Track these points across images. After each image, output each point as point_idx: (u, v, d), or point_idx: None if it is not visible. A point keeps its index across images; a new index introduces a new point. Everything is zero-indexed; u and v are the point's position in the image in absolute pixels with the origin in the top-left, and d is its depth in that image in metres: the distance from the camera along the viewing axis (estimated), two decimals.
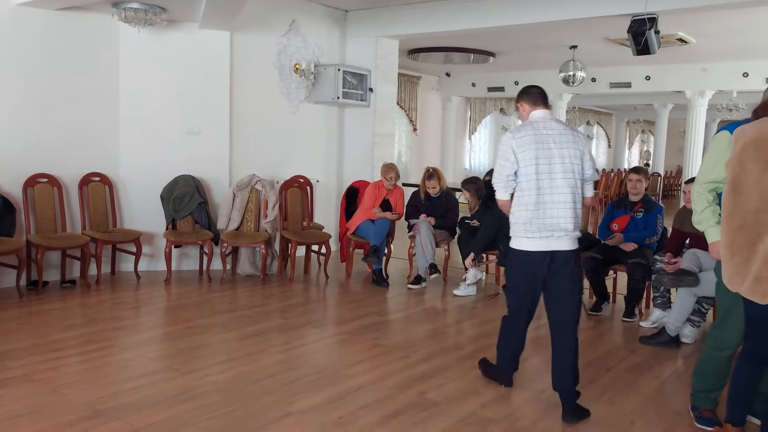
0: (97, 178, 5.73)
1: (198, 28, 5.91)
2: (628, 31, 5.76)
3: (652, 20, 5.58)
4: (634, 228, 5.10)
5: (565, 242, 3.13)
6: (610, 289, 5.37)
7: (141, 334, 4.37)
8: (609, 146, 21.83)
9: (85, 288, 5.35)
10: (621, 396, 3.45)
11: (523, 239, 3.15)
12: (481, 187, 5.85)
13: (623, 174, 15.88)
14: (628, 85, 11.35)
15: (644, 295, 5.15)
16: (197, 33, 5.96)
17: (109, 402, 3.11)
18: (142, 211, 5.97)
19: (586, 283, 5.29)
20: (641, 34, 5.64)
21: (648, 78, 11.09)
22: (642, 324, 4.84)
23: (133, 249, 5.71)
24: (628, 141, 22.75)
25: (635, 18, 5.65)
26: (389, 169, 6.10)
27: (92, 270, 5.54)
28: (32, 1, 5.08)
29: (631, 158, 23.29)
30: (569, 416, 3.10)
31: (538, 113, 3.23)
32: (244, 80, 6.40)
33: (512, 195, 3.20)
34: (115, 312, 4.76)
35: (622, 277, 5.25)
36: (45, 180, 5.37)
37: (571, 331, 3.23)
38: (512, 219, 3.19)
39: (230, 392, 3.29)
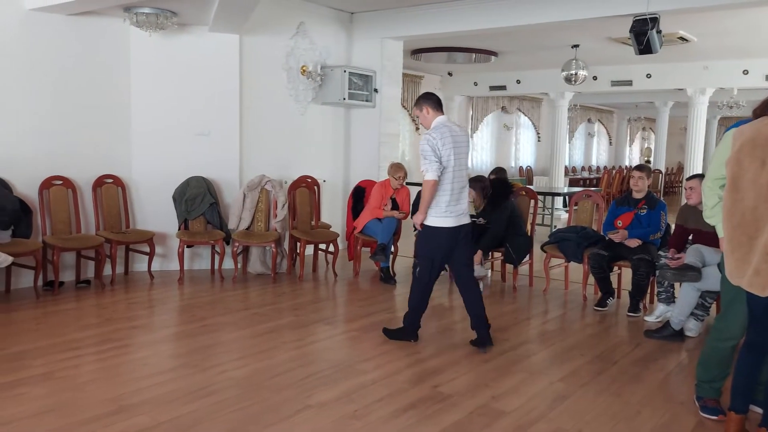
0: (111, 180, 5.83)
1: (208, 31, 6.01)
2: (630, 31, 5.84)
3: (654, 20, 5.66)
4: (638, 225, 5.19)
5: (466, 218, 4.09)
6: (615, 285, 5.47)
7: (157, 333, 4.48)
8: (610, 144, 21.90)
9: (99, 288, 5.45)
10: (627, 387, 3.55)
11: (444, 218, 3.97)
12: (487, 185, 5.94)
13: (625, 171, 15.97)
14: (629, 83, 11.42)
15: (648, 291, 5.25)
16: (207, 36, 6.07)
17: (131, 398, 3.21)
18: (155, 212, 6.07)
19: (591, 278, 5.42)
20: (643, 34, 5.72)
21: (649, 76, 11.17)
22: (647, 318, 4.94)
23: (147, 249, 5.82)
24: (629, 138, 22.82)
25: (637, 18, 5.73)
26: (398, 168, 6.19)
27: (107, 270, 5.64)
28: (45, 6, 5.17)
29: (632, 156, 23.36)
30: (484, 345, 4.09)
31: (442, 118, 4.06)
32: (253, 82, 6.50)
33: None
34: (131, 311, 4.86)
35: (627, 273, 5.35)
36: (60, 182, 5.48)
37: (475, 284, 4.23)
38: (435, 202, 3.95)
39: (248, 387, 3.39)
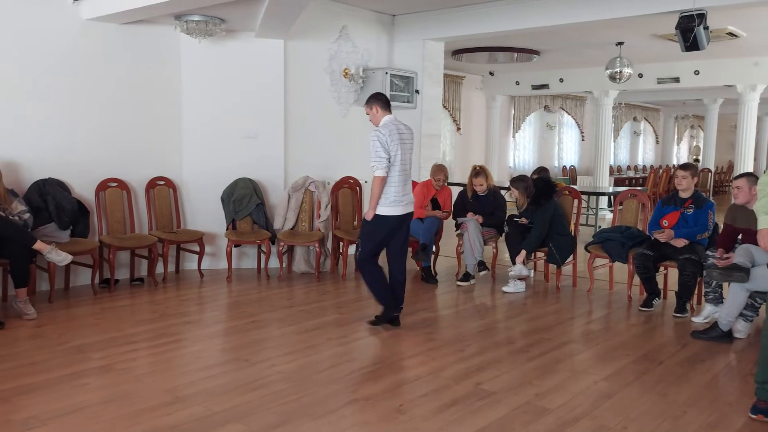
0: (163, 182, 6.06)
1: (254, 37, 6.18)
2: (676, 28, 5.75)
3: (701, 16, 5.56)
4: (685, 225, 5.10)
5: (411, 207, 4.54)
6: (661, 285, 5.40)
7: (208, 328, 4.65)
8: (657, 142, 21.42)
9: (152, 285, 5.67)
10: (673, 388, 3.52)
11: (393, 207, 4.39)
12: (530, 185, 5.94)
13: (672, 170, 15.61)
14: (676, 80, 11.19)
15: (696, 291, 5.17)
16: (253, 42, 6.24)
17: (186, 389, 3.36)
18: (204, 212, 6.28)
19: (636, 279, 5.37)
20: (690, 31, 5.63)
21: (697, 73, 10.92)
22: (694, 319, 4.87)
23: (197, 248, 6.02)
24: (676, 137, 22.26)
25: (683, 14, 5.64)
26: (439, 170, 6.24)
27: (159, 268, 5.86)
28: (100, 16, 5.41)
29: (680, 154, 22.78)
30: (379, 322, 4.57)
31: (390, 117, 4.47)
32: (297, 86, 6.66)
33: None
34: (183, 308, 5.05)
35: (673, 273, 5.28)
36: (115, 184, 5.72)
37: (404, 260, 4.67)
38: (384, 193, 4.34)
39: (297, 381, 3.51)
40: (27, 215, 4.82)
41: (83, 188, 5.56)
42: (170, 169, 6.15)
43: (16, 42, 5.11)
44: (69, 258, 4.78)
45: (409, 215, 4.54)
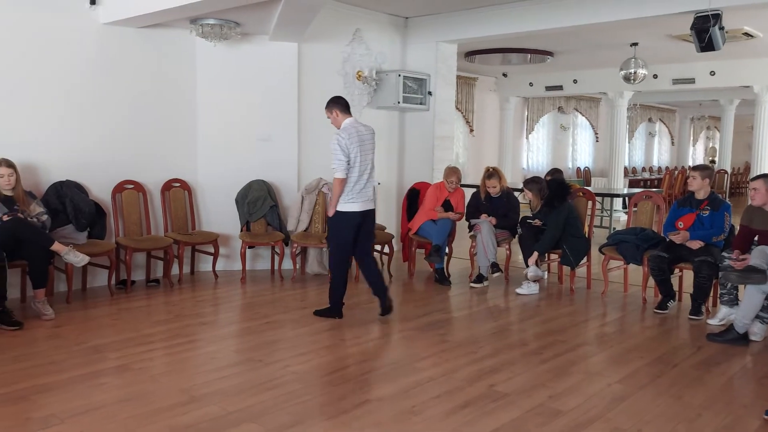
0: (178, 184, 6.12)
1: (269, 40, 6.24)
2: (691, 29, 5.72)
3: (716, 16, 5.52)
4: (700, 226, 5.06)
5: (372, 204, 4.81)
6: (675, 288, 5.36)
7: (223, 329, 4.69)
8: (672, 143, 21.25)
9: (168, 287, 5.73)
10: (688, 390, 3.50)
11: (353, 203, 4.64)
12: (544, 186, 5.92)
13: (687, 172, 15.46)
14: (691, 81, 11.10)
15: (711, 293, 5.13)
16: (268, 45, 6.29)
17: (202, 389, 3.40)
18: (219, 214, 6.34)
19: (651, 281, 5.34)
20: (705, 31, 5.59)
21: (713, 73, 10.83)
22: (709, 322, 4.84)
23: (211, 250, 6.08)
24: (692, 138, 22.06)
25: (699, 14, 5.61)
26: (451, 172, 6.24)
27: (174, 270, 5.91)
28: (118, 20, 5.48)
29: (696, 155, 22.58)
30: (386, 311, 4.83)
31: (350, 119, 4.73)
32: (310, 88, 6.69)
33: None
34: (198, 309, 5.10)
35: (689, 276, 5.24)
36: (131, 186, 5.79)
37: (373, 256, 5.04)
38: (346, 190, 4.60)
39: (310, 381, 3.53)
40: (45, 217, 4.89)
41: (100, 190, 5.64)
42: (185, 172, 6.22)
43: (35, 46, 5.19)
44: (86, 259, 4.84)
45: (371, 212, 4.83)
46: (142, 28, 5.77)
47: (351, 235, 4.70)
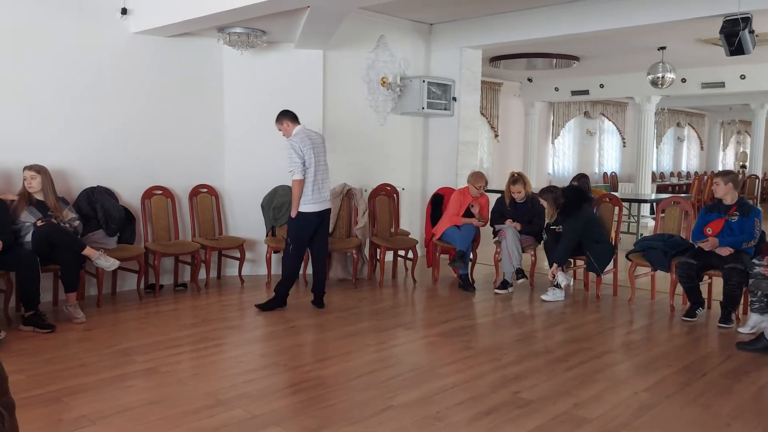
0: (205, 190, 6.22)
1: (294, 48, 6.31)
2: (720, 32, 5.63)
3: (746, 20, 5.43)
4: (729, 232, 4.97)
5: (328, 204, 5.22)
6: (705, 295, 5.28)
7: (249, 333, 4.75)
8: (702, 148, 20.89)
9: (195, 291, 5.82)
10: (717, 399, 3.45)
11: (311, 204, 5.01)
12: (558, 195, 5.87)
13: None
14: (721, 85, 10.91)
15: (741, 301, 5.03)
16: (293, 53, 6.37)
17: (228, 392, 3.45)
18: (245, 219, 6.42)
19: (679, 288, 5.26)
20: (734, 35, 5.51)
21: (743, 77, 10.62)
22: (739, 330, 4.75)
23: (237, 255, 6.15)
24: (722, 142, 21.65)
25: (728, 18, 5.53)
26: (479, 177, 6.22)
27: (201, 274, 6.00)
28: (147, 29, 5.60)
29: (726, 160, 22.14)
30: (318, 304, 5.29)
31: (300, 126, 5.09)
32: (335, 95, 6.75)
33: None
34: (224, 313, 5.17)
35: (718, 283, 5.16)
36: (160, 192, 5.90)
37: (326, 255, 5.44)
38: (305, 192, 4.97)
39: (334, 386, 3.56)
40: (77, 222, 5.01)
41: (130, 196, 5.75)
42: (213, 177, 6.31)
43: (68, 55, 5.33)
44: (116, 264, 4.94)
45: (327, 212, 5.23)
46: (172, 37, 5.89)
47: (309, 235, 5.12)
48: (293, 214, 5.02)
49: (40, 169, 4.84)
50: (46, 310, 4.70)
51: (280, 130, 5.15)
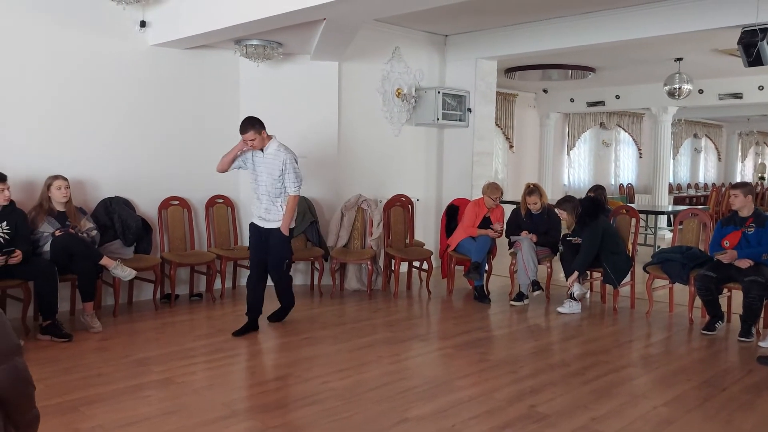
0: (221, 200, 6.25)
1: (310, 59, 6.35)
2: (738, 43, 5.59)
3: (765, 30, 5.38)
4: (747, 244, 4.90)
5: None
6: (724, 308, 5.20)
7: (263, 344, 4.74)
8: (719, 159, 20.67)
9: (210, 301, 5.84)
10: (738, 415, 3.38)
11: (294, 221, 4.90)
12: (577, 205, 5.84)
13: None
14: (739, 96, 10.80)
15: (761, 314, 4.95)
16: (309, 64, 6.41)
17: (242, 403, 3.45)
18: None
19: (698, 301, 5.18)
20: (753, 46, 5.46)
21: (761, 88, 10.51)
22: (760, 344, 4.67)
23: None
24: (740, 153, 21.41)
25: (746, 29, 5.49)
26: (495, 189, 6.20)
27: (216, 284, 6.02)
28: (165, 42, 5.67)
29: (745, 172, 21.88)
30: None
31: (274, 138, 4.84)
32: (350, 106, 6.78)
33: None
34: (239, 323, 5.13)
35: (737, 296, 5.08)
36: (176, 203, 5.94)
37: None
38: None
39: (349, 398, 3.54)
40: (95, 232, 5.06)
41: (147, 206, 5.80)
42: (228, 188, 6.34)
43: (87, 67, 5.40)
44: (133, 273, 4.98)
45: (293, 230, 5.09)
46: (189, 49, 5.95)
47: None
48: (286, 231, 4.79)
49: (65, 178, 4.91)
50: (63, 320, 4.74)
51: (252, 140, 4.63)
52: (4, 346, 1.54)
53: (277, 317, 5.14)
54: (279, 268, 4.94)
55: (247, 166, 4.83)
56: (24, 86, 5.09)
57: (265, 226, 4.81)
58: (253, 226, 4.92)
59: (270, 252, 4.85)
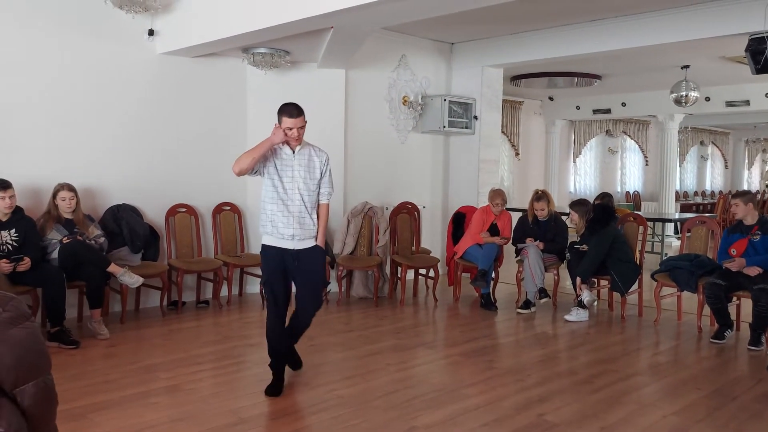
0: (228, 207, 6.26)
1: (317, 67, 6.38)
2: (746, 51, 5.59)
3: None
4: (754, 252, 4.89)
5: None
6: (733, 316, 5.17)
7: None
8: (726, 167, 20.60)
9: (217, 308, 5.84)
10: (749, 424, 3.36)
11: None
12: (590, 209, 5.84)
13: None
14: (746, 103, 10.78)
15: None
16: (316, 72, 6.43)
17: (250, 411, 3.44)
18: None
19: (706, 309, 5.15)
20: (761, 53, 5.46)
21: None
22: None
23: (259, 272, 6.15)
24: (747, 161, 21.33)
25: (754, 36, 5.48)
26: (496, 194, 6.21)
27: (223, 291, 6.03)
28: (174, 50, 5.70)
29: (752, 179, 21.79)
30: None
31: None
32: (357, 113, 6.80)
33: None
34: (245, 330, 5.18)
35: (747, 304, 5.05)
36: (184, 210, 5.96)
37: None
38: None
39: (356, 406, 3.52)
40: (102, 239, 5.08)
41: (155, 213, 5.81)
42: (236, 195, 6.36)
43: (96, 75, 5.43)
44: (140, 280, 4.99)
45: None
46: (197, 58, 5.98)
47: None
48: (322, 243, 3.84)
49: (72, 188, 4.93)
50: (70, 327, 4.75)
51: (301, 128, 3.72)
52: (38, 362, 1.55)
53: (296, 360, 4.12)
54: (319, 298, 3.93)
55: (265, 170, 3.73)
56: (33, 94, 5.12)
57: (295, 247, 3.70)
58: (273, 252, 3.75)
59: (305, 279, 3.77)
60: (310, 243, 3.74)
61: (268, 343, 3.82)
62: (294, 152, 3.74)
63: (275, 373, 3.76)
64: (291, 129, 3.64)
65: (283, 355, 3.84)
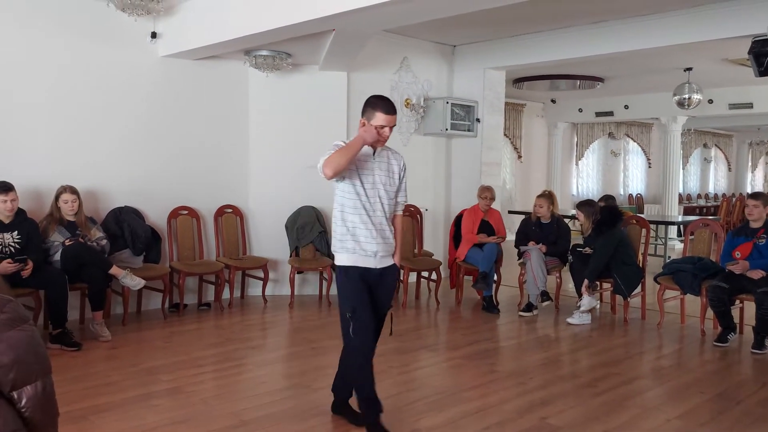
0: (230, 210, 6.26)
1: (318, 70, 6.38)
2: (749, 53, 5.56)
3: None
4: (758, 256, 4.87)
5: None
6: (736, 320, 5.14)
7: (271, 353, 4.73)
8: (729, 170, 20.55)
9: (219, 310, 5.83)
10: (753, 428, 3.34)
11: None
12: (597, 211, 5.82)
13: (746, 199, 14.86)
14: (749, 105, 10.75)
15: None
16: (318, 74, 6.43)
17: (251, 413, 3.43)
18: (269, 239, 6.44)
19: (709, 312, 5.13)
20: (764, 55, 5.42)
21: None
22: None
23: (261, 274, 6.16)
24: (750, 163, 21.29)
25: (757, 38, 5.46)
26: (484, 189, 6.25)
27: (225, 294, 6.02)
28: (176, 53, 5.71)
29: (755, 182, 21.74)
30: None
31: None
32: (358, 116, 6.65)
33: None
34: (247, 333, 5.17)
35: (750, 307, 5.03)
36: (185, 212, 5.95)
37: None
38: None
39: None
40: (104, 241, 5.07)
41: (156, 216, 5.81)
42: (238, 198, 6.36)
43: (98, 78, 5.44)
44: (142, 283, 4.99)
45: None
46: (199, 60, 5.99)
47: None
48: (399, 262, 3.30)
49: (75, 191, 4.93)
50: (73, 329, 4.74)
51: (393, 126, 3.15)
52: (36, 364, 1.55)
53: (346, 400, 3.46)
54: (382, 320, 3.26)
55: (346, 172, 3.09)
56: (36, 96, 5.13)
57: (378, 266, 3.12)
58: (357, 273, 3.09)
59: (382, 305, 3.20)
60: (390, 261, 3.18)
61: (362, 374, 3.14)
62: (375, 154, 3.15)
63: (374, 404, 3.12)
64: (384, 127, 3.07)
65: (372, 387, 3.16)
